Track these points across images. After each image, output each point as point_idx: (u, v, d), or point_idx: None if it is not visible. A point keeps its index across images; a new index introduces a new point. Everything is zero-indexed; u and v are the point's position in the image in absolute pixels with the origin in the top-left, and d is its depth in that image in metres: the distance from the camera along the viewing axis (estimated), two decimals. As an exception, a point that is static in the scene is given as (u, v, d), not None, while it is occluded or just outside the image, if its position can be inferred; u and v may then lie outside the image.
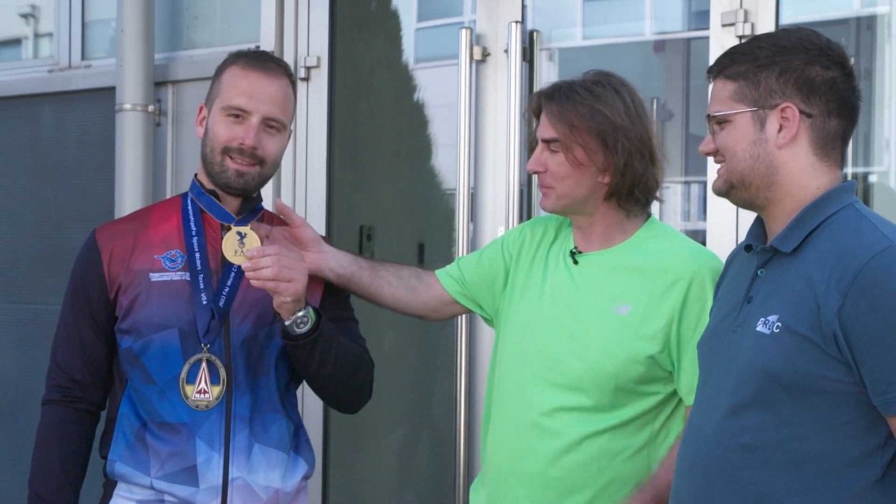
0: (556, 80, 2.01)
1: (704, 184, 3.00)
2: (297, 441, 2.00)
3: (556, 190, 1.94)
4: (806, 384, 1.49)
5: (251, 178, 1.94)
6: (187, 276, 1.90)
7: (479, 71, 3.05)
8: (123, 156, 3.42)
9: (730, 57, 1.64)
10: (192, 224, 1.95)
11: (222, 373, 1.87)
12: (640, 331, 1.89)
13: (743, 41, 1.71)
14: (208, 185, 1.97)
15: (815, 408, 1.50)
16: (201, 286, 1.89)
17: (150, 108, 3.45)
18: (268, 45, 3.34)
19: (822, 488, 1.50)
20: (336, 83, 3.37)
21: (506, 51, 2.98)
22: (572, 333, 1.93)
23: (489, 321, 2.17)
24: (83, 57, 3.85)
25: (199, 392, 1.86)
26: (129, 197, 3.42)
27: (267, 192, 2.62)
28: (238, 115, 1.91)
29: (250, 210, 2.00)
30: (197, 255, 1.92)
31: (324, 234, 3.26)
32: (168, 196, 3.52)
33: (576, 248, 2.01)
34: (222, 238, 1.92)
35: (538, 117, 1.99)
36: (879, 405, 1.46)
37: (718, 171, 1.68)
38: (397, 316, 2.19)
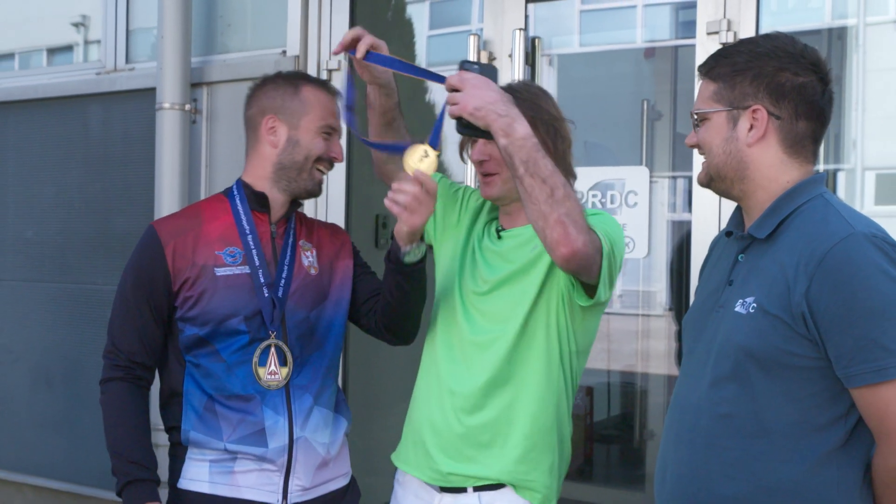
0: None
1: (689, 178, 3.00)
2: (337, 401, 2.09)
3: (502, 175, 1.95)
4: (777, 360, 1.51)
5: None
6: (247, 270, 1.95)
7: (486, 74, 3.06)
8: (163, 150, 3.44)
9: (715, 59, 1.65)
10: (245, 224, 1.99)
11: (288, 356, 1.95)
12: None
13: (729, 44, 1.71)
14: (257, 187, 2.01)
15: (786, 381, 1.52)
16: (262, 280, 1.95)
17: (187, 107, 3.46)
18: (293, 50, 3.35)
19: (792, 452, 1.52)
20: (355, 85, 3.37)
21: (510, 56, 2.98)
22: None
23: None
24: (127, 61, 3.86)
25: (270, 374, 1.94)
26: (168, 186, 3.44)
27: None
28: (330, 133, 2.02)
29: (293, 211, 2.06)
30: (254, 251, 1.96)
31: (343, 221, 3.29)
32: (202, 184, 3.55)
33: (501, 227, 2.03)
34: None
35: None
36: (843, 378, 1.48)
37: (702, 163, 1.69)
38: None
